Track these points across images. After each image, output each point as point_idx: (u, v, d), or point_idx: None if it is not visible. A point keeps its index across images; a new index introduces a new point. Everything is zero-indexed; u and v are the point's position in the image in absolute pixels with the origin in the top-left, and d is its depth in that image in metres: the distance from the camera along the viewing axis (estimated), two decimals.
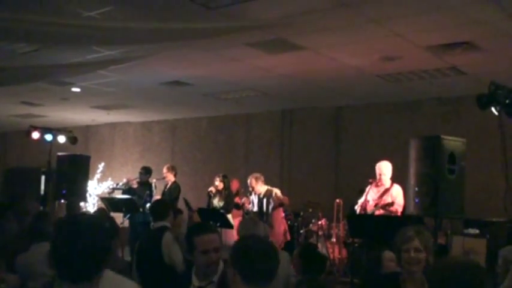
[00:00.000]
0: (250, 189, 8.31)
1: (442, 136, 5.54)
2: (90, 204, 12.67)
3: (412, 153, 5.65)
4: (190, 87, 9.71)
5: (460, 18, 5.77)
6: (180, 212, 7.67)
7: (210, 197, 9.38)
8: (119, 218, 8.45)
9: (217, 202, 9.22)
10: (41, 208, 9.35)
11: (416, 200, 5.49)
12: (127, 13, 6.04)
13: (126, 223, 9.38)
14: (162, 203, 5.89)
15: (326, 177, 11.02)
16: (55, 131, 10.70)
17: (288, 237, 8.34)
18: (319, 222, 8.71)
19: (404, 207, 6.58)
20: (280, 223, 8.26)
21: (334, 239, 8.60)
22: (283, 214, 8.53)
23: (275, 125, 12.04)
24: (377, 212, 7.01)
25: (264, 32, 6.40)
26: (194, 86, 9.58)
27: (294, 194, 8.46)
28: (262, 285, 2.45)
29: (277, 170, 11.56)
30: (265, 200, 8.13)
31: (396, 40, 6.55)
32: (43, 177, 13.21)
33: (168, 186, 9.84)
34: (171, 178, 9.84)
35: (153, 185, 9.98)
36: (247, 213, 8.53)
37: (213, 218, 8.14)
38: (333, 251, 8.48)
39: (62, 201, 9.43)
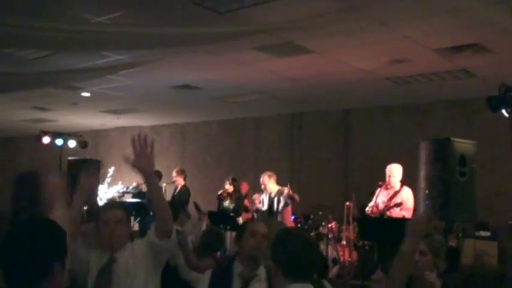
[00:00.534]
0: (263, 186, 8.28)
1: (452, 139, 5.51)
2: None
3: (422, 156, 5.62)
4: (200, 91, 9.74)
5: (469, 20, 5.75)
6: (188, 215, 7.68)
7: (220, 200, 9.40)
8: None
9: (227, 205, 9.24)
10: None
11: (427, 203, 5.46)
12: (136, 18, 6.07)
13: (136, 227, 9.41)
14: (171, 207, 5.89)
15: (336, 180, 11.00)
16: (65, 135, 10.78)
17: None
18: (329, 225, 8.68)
19: (415, 210, 6.55)
20: (289, 222, 8.24)
21: (344, 242, 8.57)
22: (292, 216, 8.53)
23: (284, 128, 12.04)
24: (387, 213, 6.98)
25: (273, 36, 6.41)
26: (203, 89, 9.60)
27: (303, 197, 8.43)
28: (302, 278, 2.39)
29: (287, 173, 11.55)
30: (275, 199, 8.11)
31: (405, 43, 6.54)
32: None
33: (178, 190, 9.86)
34: (180, 182, 9.86)
35: (163, 188, 10.00)
36: (256, 212, 8.53)
37: (223, 221, 8.16)
38: (343, 253, 8.44)
39: None
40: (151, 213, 9.30)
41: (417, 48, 6.73)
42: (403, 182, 7.13)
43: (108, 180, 13.80)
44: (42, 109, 12.26)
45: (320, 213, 9.06)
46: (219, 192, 9.48)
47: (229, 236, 8.19)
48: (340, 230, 8.75)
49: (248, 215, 9.18)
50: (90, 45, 6.67)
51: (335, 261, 8.19)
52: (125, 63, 7.68)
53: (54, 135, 10.55)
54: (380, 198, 7.16)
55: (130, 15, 5.93)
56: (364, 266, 7.30)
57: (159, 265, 3.18)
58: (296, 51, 7.05)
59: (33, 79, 8.35)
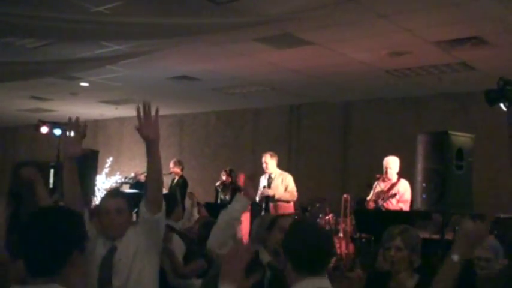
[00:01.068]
0: (264, 165, 8.04)
1: (450, 132, 5.50)
2: (99, 199, 12.70)
3: (420, 149, 5.62)
4: (198, 82, 9.72)
5: (469, 13, 5.74)
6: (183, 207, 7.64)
7: (217, 191, 9.41)
8: None
9: (224, 196, 9.25)
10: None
11: (424, 196, 5.47)
12: (135, 8, 6.05)
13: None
14: (166, 198, 5.78)
15: (333, 172, 11.02)
16: (64, 125, 10.74)
17: None
18: (327, 217, 8.72)
19: (412, 203, 6.57)
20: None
21: (341, 234, 8.60)
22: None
23: (283, 120, 12.04)
24: (384, 204, 6.99)
25: (272, 27, 6.40)
26: (202, 80, 9.59)
27: (301, 188, 8.44)
28: (313, 273, 2.36)
29: (285, 164, 11.52)
30: (274, 182, 7.90)
31: (405, 35, 6.53)
32: (52, 171, 13.26)
33: (176, 180, 9.86)
34: (178, 173, 9.87)
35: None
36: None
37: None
38: (340, 246, 8.47)
39: None
40: None
41: (417, 40, 6.72)
42: (401, 175, 7.14)
43: (106, 170, 13.81)
44: (41, 99, 12.24)
45: (317, 205, 9.09)
46: (217, 184, 9.49)
47: None
48: (337, 222, 8.78)
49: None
50: (89, 35, 6.64)
51: None
52: (124, 53, 7.66)
53: (53, 125, 10.50)
54: (377, 190, 7.17)
55: (129, 4, 5.90)
56: (365, 258, 7.32)
57: (157, 245, 3.25)
58: (295, 43, 7.03)
59: (31, 69, 8.34)
